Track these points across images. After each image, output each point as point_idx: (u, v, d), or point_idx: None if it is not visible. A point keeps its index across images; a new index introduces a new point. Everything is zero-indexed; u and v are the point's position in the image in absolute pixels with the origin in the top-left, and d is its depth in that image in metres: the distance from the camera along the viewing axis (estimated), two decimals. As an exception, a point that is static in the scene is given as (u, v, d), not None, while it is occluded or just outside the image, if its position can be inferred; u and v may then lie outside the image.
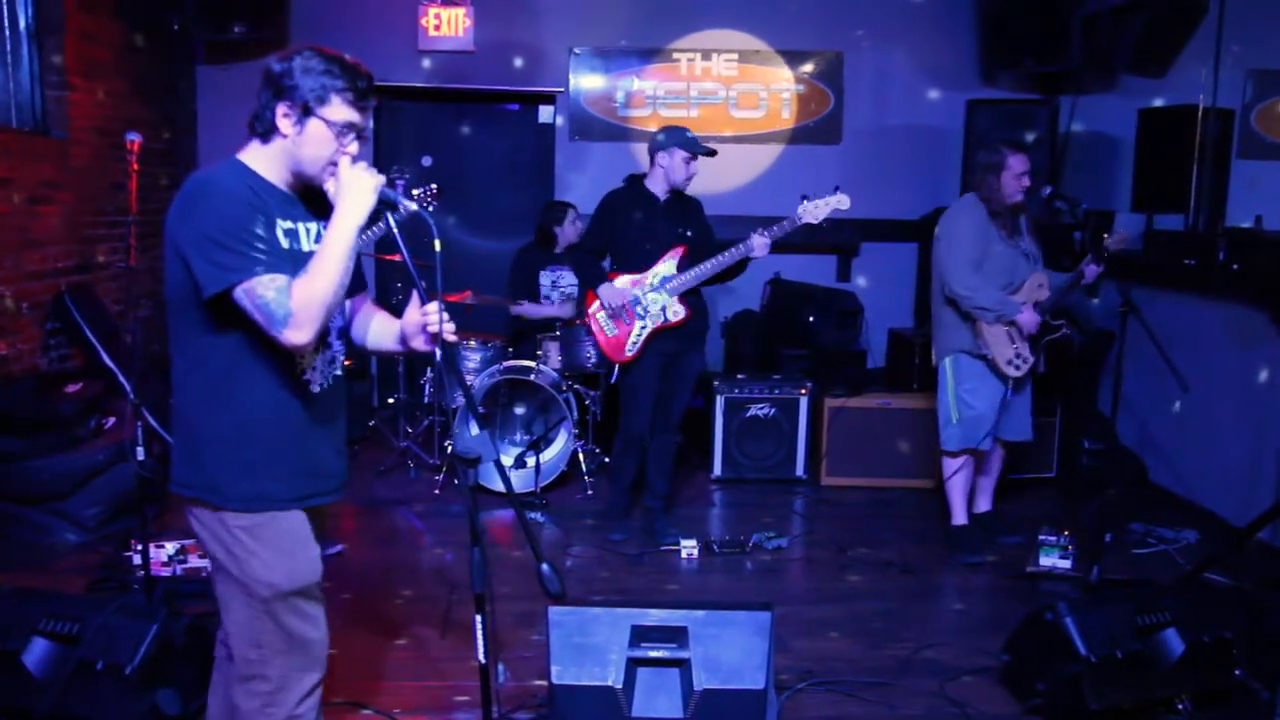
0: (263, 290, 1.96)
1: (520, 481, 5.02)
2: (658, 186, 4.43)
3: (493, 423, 5.40)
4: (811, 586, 4.21)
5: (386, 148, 6.81)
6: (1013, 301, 4.22)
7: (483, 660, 2.23)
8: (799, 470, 5.51)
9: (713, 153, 4.43)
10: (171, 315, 2.12)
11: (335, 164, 2.09)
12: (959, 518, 4.53)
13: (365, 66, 2.12)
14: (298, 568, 2.18)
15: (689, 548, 4.43)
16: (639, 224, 4.40)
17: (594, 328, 4.47)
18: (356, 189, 2.05)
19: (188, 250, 1.99)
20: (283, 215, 2.11)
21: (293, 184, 2.16)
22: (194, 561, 3.89)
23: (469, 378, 5.18)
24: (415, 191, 5.09)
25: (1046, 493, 5.42)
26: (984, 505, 4.64)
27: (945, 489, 4.53)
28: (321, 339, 2.17)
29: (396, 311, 2.39)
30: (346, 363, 2.32)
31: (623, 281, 4.41)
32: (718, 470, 5.51)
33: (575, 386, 5.27)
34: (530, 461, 5.02)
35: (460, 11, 6.48)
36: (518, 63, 6.61)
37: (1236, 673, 3.08)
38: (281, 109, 2.06)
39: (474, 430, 4.99)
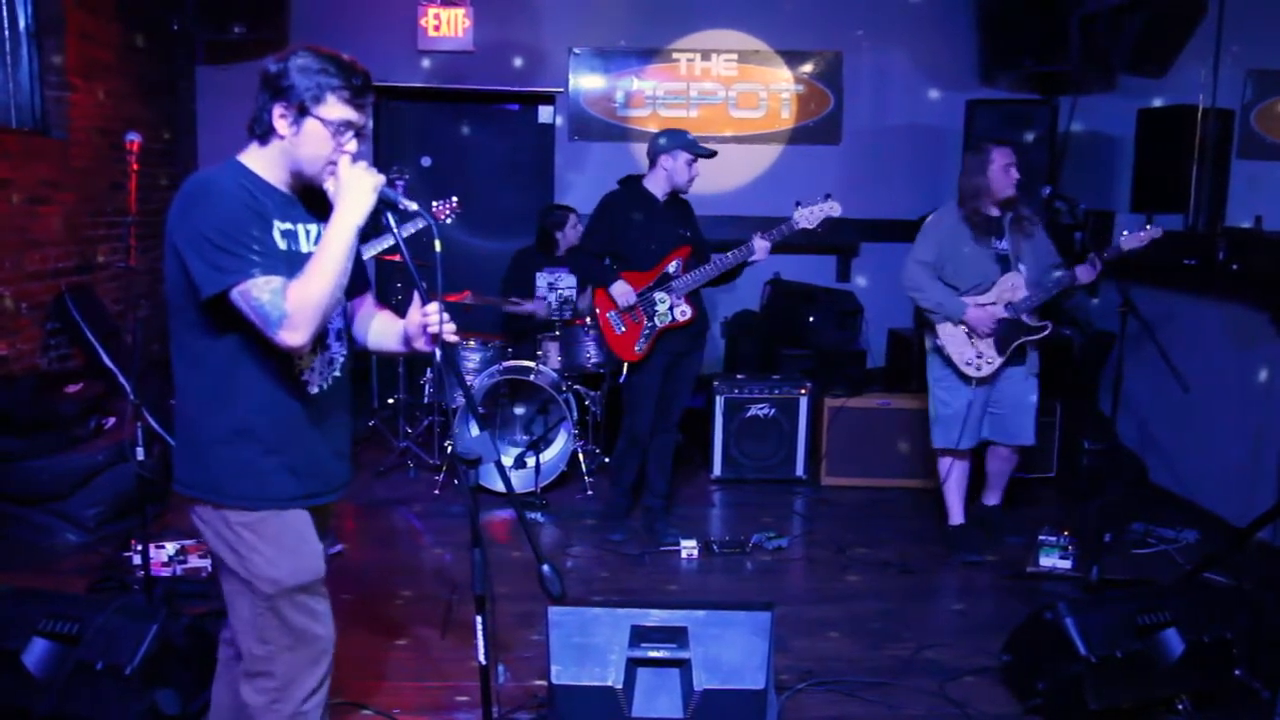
0: (258, 292, 1.96)
1: (520, 481, 5.02)
2: (658, 188, 4.43)
3: (492, 423, 5.40)
4: (811, 586, 4.21)
5: (386, 148, 6.81)
6: (958, 301, 4.22)
7: (483, 661, 2.23)
8: (799, 470, 5.51)
9: (714, 154, 4.46)
10: (171, 316, 2.12)
11: (334, 163, 2.09)
12: (956, 517, 4.53)
13: (362, 65, 2.12)
14: (301, 564, 2.19)
15: (689, 548, 4.43)
16: (640, 225, 4.41)
17: (604, 327, 4.47)
18: (356, 188, 2.05)
19: (185, 251, 1.99)
20: (281, 217, 2.11)
21: (292, 185, 2.16)
22: (194, 562, 3.89)
23: (468, 378, 5.18)
24: (434, 204, 5.11)
25: (1047, 493, 5.42)
26: (991, 499, 4.62)
27: (942, 489, 4.54)
28: (320, 341, 2.17)
29: (397, 312, 2.39)
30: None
31: (631, 281, 4.42)
32: (717, 470, 5.51)
33: (575, 387, 5.27)
34: (530, 461, 5.02)
35: (460, 12, 6.48)
36: (517, 63, 6.61)
37: (1236, 673, 3.08)
38: (278, 110, 2.06)
39: (474, 431, 4.99)
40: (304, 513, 2.21)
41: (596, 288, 4.49)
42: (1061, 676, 2.96)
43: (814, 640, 3.65)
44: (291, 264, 2.04)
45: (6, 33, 4.88)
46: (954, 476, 4.48)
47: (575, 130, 6.70)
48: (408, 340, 2.29)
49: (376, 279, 6.41)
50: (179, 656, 2.77)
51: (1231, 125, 5.57)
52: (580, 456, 5.28)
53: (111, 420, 4.70)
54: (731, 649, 2.69)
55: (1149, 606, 3.02)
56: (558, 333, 5.26)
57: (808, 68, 6.70)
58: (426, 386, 5.54)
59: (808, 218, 4.27)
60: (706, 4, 6.63)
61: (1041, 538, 4.25)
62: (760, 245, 4.26)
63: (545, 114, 6.86)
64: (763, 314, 6.54)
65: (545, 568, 2.37)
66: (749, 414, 5.46)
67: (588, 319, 4.82)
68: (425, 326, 2.20)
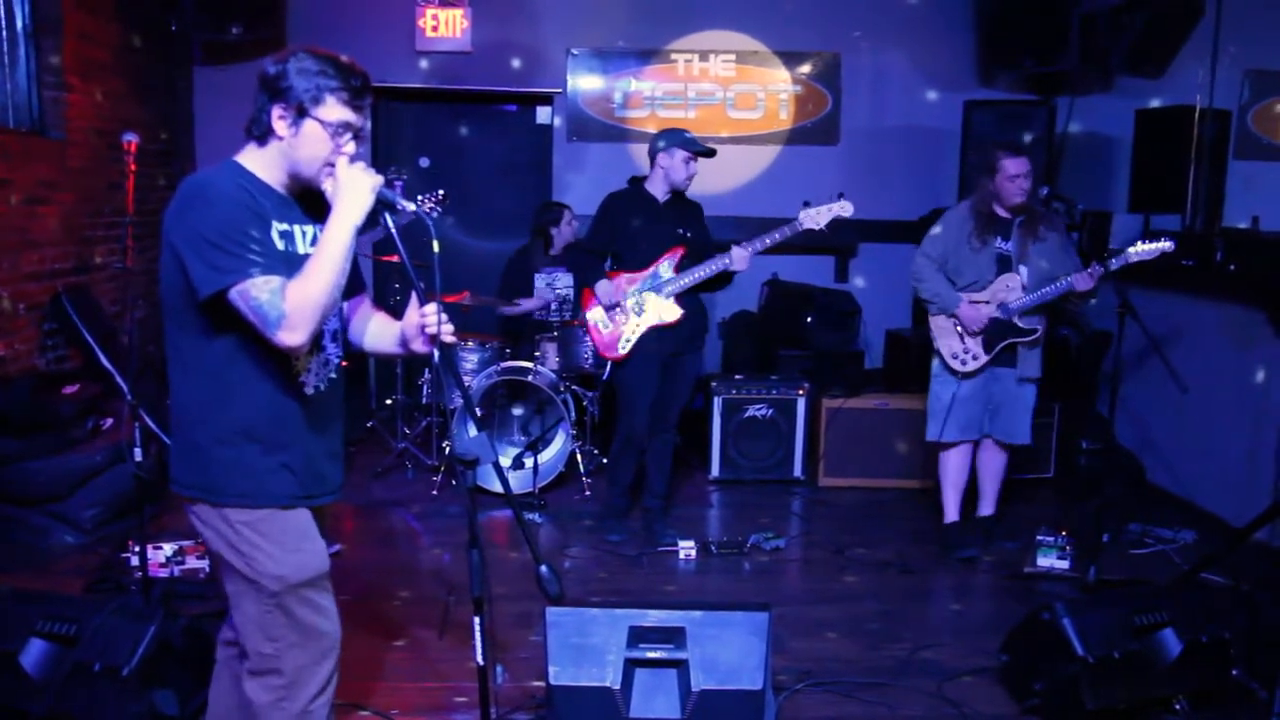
0: (257, 292, 1.96)
1: (518, 482, 5.02)
2: (658, 188, 4.44)
3: (490, 424, 5.40)
4: (809, 587, 4.22)
5: (384, 149, 6.80)
6: (954, 295, 4.27)
7: (481, 662, 2.23)
8: (797, 471, 5.51)
9: (712, 153, 4.44)
10: (167, 317, 2.12)
11: (332, 164, 2.09)
12: (950, 515, 4.54)
13: (360, 66, 2.12)
14: (306, 559, 2.19)
15: (687, 548, 4.43)
16: (639, 225, 4.42)
17: (589, 325, 4.49)
18: (354, 189, 2.05)
19: (183, 252, 1.99)
20: (278, 217, 2.11)
21: (290, 186, 2.16)
22: (192, 563, 3.89)
23: (466, 379, 5.18)
24: (419, 197, 5.09)
25: (1044, 493, 5.42)
26: (985, 509, 4.63)
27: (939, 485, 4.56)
28: (315, 342, 2.17)
29: (394, 313, 2.39)
30: (343, 364, 2.31)
31: (620, 280, 4.42)
32: (715, 471, 5.51)
33: (573, 387, 5.27)
34: (528, 462, 5.02)
35: (458, 12, 6.48)
36: (515, 64, 6.61)
37: (1234, 673, 3.09)
38: (277, 111, 2.06)
39: (472, 432, 4.99)
40: (305, 510, 2.21)
41: (584, 286, 4.51)
42: (1059, 677, 2.97)
43: (812, 641, 3.65)
44: (289, 265, 2.04)
45: (4, 33, 4.87)
46: (949, 473, 4.48)
47: (573, 131, 6.70)
48: (405, 342, 2.29)
49: (374, 280, 6.42)
50: (177, 657, 2.77)
51: (1229, 126, 5.58)
52: (578, 457, 5.28)
53: (109, 421, 4.70)
54: (729, 649, 2.69)
55: (1146, 607, 3.02)
56: (555, 333, 5.26)
57: (806, 68, 6.71)
58: (424, 387, 5.54)
59: (814, 219, 4.23)
60: (705, 5, 6.63)
61: (1039, 538, 4.26)
62: (738, 254, 4.24)
63: (543, 115, 6.86)
64: (760, 314, 6.54)
65: (543, 568, 2.37)
66: (747, 414, 5.46)
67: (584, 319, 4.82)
68: (423, 327, 2.19)
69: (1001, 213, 4.25)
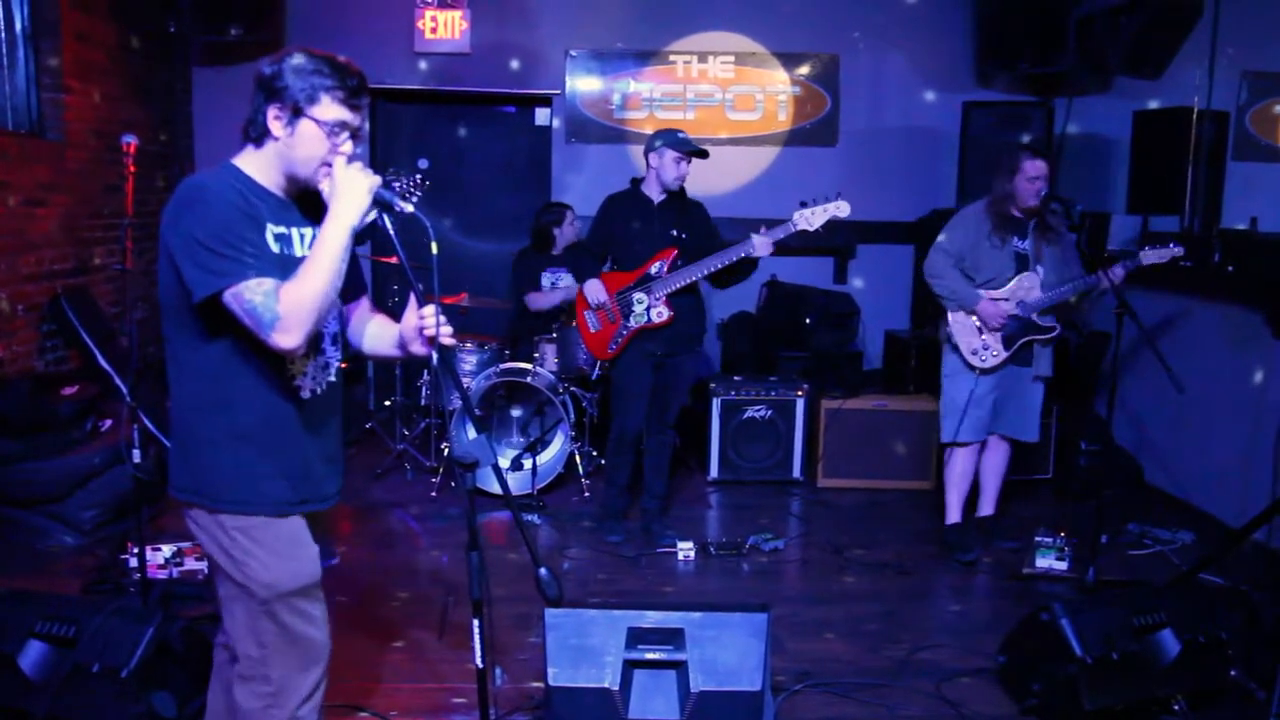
0: (250, 295, 1.95)
1: (517, 483, 5.02)
2: (652, 189, 4.44)
3: (489, 425, 5.40)
4: (808, 588, 4.22)
5: (382, 150, 6.81)
6: (974, 292, 4.28)
7: (480, 663, 2.23)
8: (795, 472, 5.51)
9: (704, 153, 4.42)
10: (165, 320, 2.12)
11: (329, 164, 2.08)
12: (953, 516, 4.54)
13: (356, 65, 2.11)
14: (297, 568, 2.18)
15: (686, 549, 4.44)
16: (634, 227, 4.42)
17: (580, 324, 4.52)
18: (351, 189, 2.04)
19: (178, 255, 1.99)
20: (274, 220, 2.10)
21: (287, 188, 2.15)
22: (190, 564, 3.89)
23: (465, 380, 5.18)
24: (396, 184, 4.97)
25: (1043, 494, 5.43)
26: (986, 509, 4.63)
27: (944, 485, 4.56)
28: (314, 345, 2.17)
29: (393, 315, 2.38)
30: (342, 365, 2.31)
31: (610, 280, 4.43)
32: (714, 472, 5.51)
33: (572, 389, 5.27)
34: (527, 464, 5.02)
35: (457, 14, 6.48)
36: (514, 65, 6.62)
37: (1232, 673, 3.09)
38: (273, 111, 2.05)
39: (471, 433, 4.99)
40: (299, 518, 2.21)
41: (577, 286, 4.52)
42: (1057, 677, 2.97)
43: (810, 641, 3.65)
44: (285, 268, 2.04)
45: (2, 35, 4.88)
46: (956, 474, 4.48)
47: (572, 132, 6.70)
48: (403, 344, 2.28)
49: (372, 281, 6.43)
50: (175, 659, 2.77)
51: (1227, 127, 5.59)
52: (577, 458, 5.28)
53: (108, 422, 4.70)
54: (728, 650, 2.70)
55: (1145, 607, 3.02)
56: (554, 335, 5.26)
57: (804, 70, 6.71)
58: (423, 389, 5.54)
59: (808, 219, 4.23)
60: (703, 6, 6.63)
61: (1038, 539, 4.26)
62: (760, 241, 4.23)
63: (542, 116, 6.86)
64: (759, 316, 6.54)
65: (542, 571, 2.36)
66: (746, 416, 5.46)
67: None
68: (422, 329, 2.18)
69: (1016, 214, 4.27)
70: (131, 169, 3.61)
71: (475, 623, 2.20)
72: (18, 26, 4.96)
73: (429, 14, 6.47)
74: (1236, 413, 4.81)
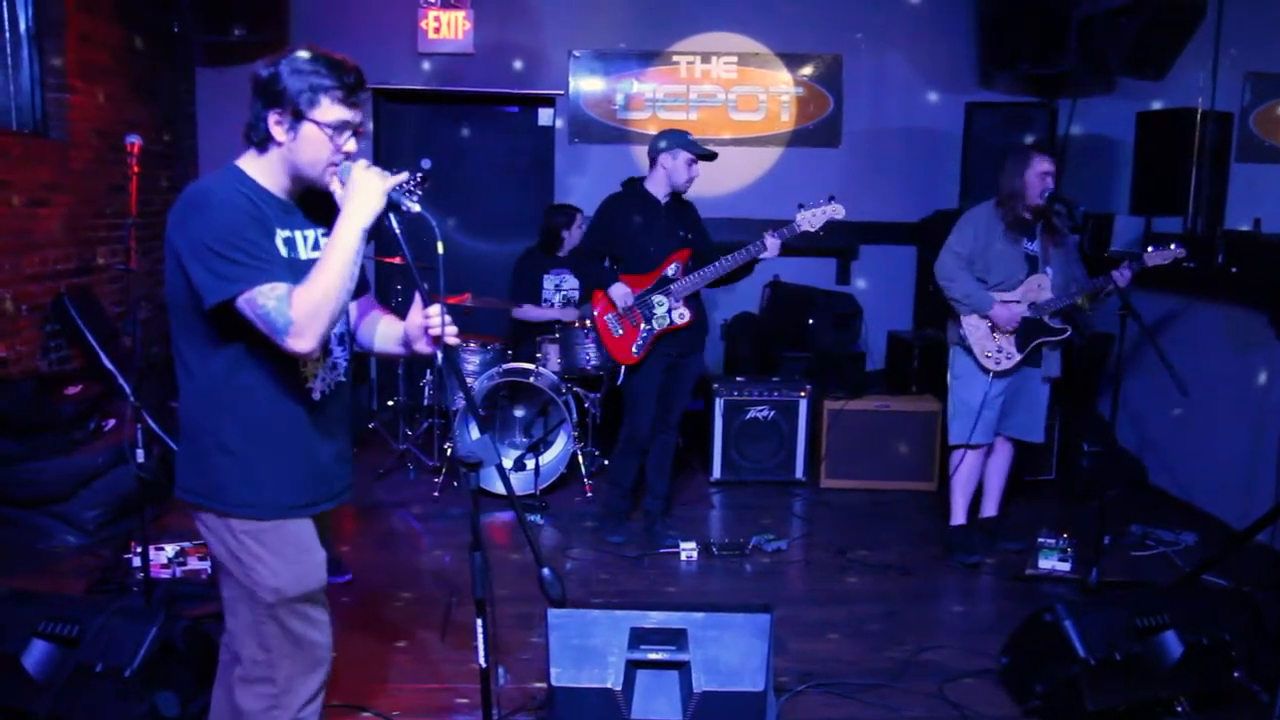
0: (263, 299, 1.95)
1: (520, 484, 5.02)
2: (659, 189, 4.43)
3: (492, 425, 5.40)
4: (811, 589, 4.22)
5: (386, 150, 6.81)
6: (987, 295, 4.28)
7: (483, 663, 2.23)
8: (798, 472, 5.51)
9: (714, 155, 4.44)
10: (173, 323, 2.11)
11: (335, 164, 2.08)
12: (958, 517, 4.53)
13: (352, 61, 2.09)
14: (303, 574, 2.19)
15: (688, 550, 4.44)
16: (641, 227, 4.41)
17: (601, 329, 4.47)
18: (365, 191, 2.02)
19: (187, 260, 1.98)
20: (281, 224, 2.10)
21: (291, 191, 2.15)
22: (193, 564, 3.89)
23: (468, 380, 5.18)
24: (398, 182, 4.96)
25: (1046, 495, 5.42)
26: (989, 510, 4.63)
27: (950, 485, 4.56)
28: (323, 346, 2.17)
29: (397, 314, 2.38)
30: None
31: (630, 283, 4.42)
32: (717, 473, 5.51)
33: (574, 389, 5.27)
34: (530, 464, 5.02)
35: (460, 14, 6.49)
36: (517, 65, 6.62)
37: (1235, 675, 3.09)
38: (273, 117, 2.04)
39: (474, 433, 4.99)
40: (307, 522, 2.21)
41: (595, 289, 4.50)
42: (1060, 678, 2.97)
43: (813, 642, 3.65)
44: (293, 271, 2.03)
45: (7, 35, 4.89)
46: (963, 474, 4.48)
47: (575, 133, 6.70)
48: (408, 342, 2.28)
49: (376, 280, 6.43)
50: (179, 659, 2.77)
51: (1230, 128, 5.58)
52: (580, 459, 5.28)
53: (111, 422, 4.70)
54: (731, 651, 2.70)
55: (1148, 609, 3.02)
56: (557, 335, 5.26)
57: (807, 70, 6.71)
58: (426, 388, 5.54)
59: (810, 220, 4.24)
60: (706, 7, 6.63)
61: (1041, 540, 4.26)
62: (772, 243, 4.24)
63: (545, 116, 6.87)
64: (762, 316, 6.54)
65: (545, 571, 2.36)
66: (748, 416, 5.46)
67: (587, 321, 4.81)
68: (426, 328, 2.17)
69: (1025, 215, 4.27)
70: (135, 169, 3.61)
71: (478, 623, 2.20)
72: (22, 27, 4.96)
73: (432, 14, 6.48)
74: (1240, 414, 4.80)
